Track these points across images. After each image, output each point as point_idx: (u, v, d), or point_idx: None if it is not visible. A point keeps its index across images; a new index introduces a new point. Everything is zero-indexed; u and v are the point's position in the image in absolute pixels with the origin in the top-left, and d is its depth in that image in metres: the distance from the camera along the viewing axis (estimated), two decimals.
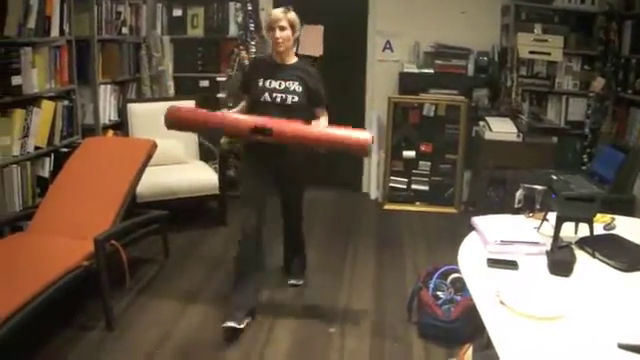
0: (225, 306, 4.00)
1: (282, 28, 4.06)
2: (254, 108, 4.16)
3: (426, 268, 4.41)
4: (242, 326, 3.93)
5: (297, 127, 4.01)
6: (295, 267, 4.80)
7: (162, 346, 3.84)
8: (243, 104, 4.35)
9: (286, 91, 4.10)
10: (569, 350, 1.98)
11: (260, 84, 4.12)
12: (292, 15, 4.12)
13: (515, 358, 1.92)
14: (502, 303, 2.24)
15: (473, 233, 3.10)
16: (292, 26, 4.10)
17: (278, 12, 4.11)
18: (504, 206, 4.98)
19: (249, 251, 4.14)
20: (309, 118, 4.19)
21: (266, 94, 4.09)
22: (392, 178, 6.88)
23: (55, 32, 5.11)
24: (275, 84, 4.10)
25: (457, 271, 4.04)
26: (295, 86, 4.12)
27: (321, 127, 4.16)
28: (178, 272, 4.93)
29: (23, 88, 4.66)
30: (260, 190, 4.22)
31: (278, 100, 4.09)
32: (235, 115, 4.18)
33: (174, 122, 4.15)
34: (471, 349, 2.33)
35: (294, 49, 4.31)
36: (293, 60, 4.26)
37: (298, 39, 4.31)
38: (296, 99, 4.11)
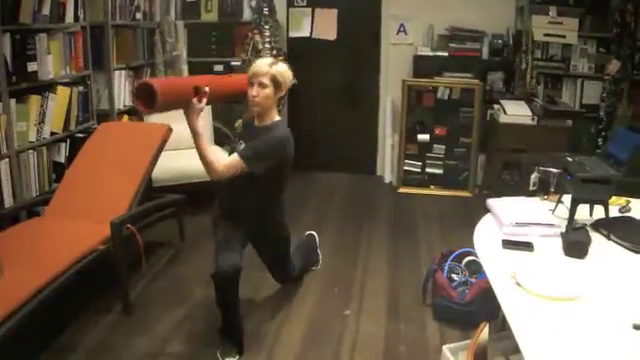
0: (242, 285, 3.95)
1: (262, 85, 3.47)
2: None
3: (441, 251, 4.43)
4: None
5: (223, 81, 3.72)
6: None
7: (179, 329, 3.88)
8: None
9: None
10: (584, 331, 1.99)
11: (236, 147, 3.65)
12: (279, 69, 3.52)
13: (530, 338, 1.93)
14: (518, 284, 2.25)
15: (488, 215, 3.10)
16: (275, 83, 3.49)
17: (262, 64, 3.54)
18: (519, 189, 4.96)
19: (225, 300, 3.59)
20: (272, 188, 3.72)
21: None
22: (406, 161, 6.88)
23: (70, 18, 5.13)
24: (240, 147, 3.59)
25: (472, 254, 4.07)
26: None
27: (210, 152, 3.45)
28: (194, 255, 4.96)
29: (39, 74, 4.69)
30: (237, 236, 3.66)
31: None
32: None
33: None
34: (487, 329, 2.34)
35: (274, 109, 3.66)
36: (269, 122, 3.63)
37: (283, 97, 3.78)
38: None
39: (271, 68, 3.48)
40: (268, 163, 3.48)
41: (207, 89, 3.35)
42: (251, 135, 3.60)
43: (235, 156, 3.47)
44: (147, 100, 3.06)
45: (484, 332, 2.32)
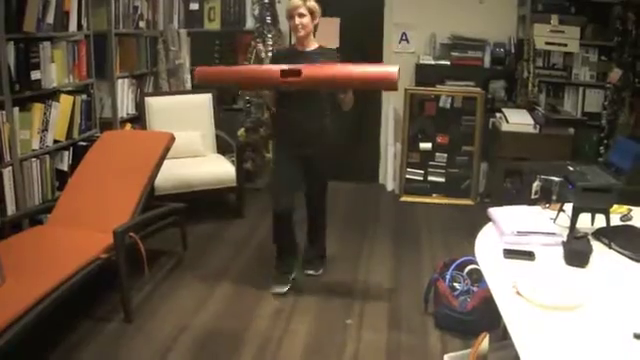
0: (244, 295, 3.97)
1: (301, 15, 4.18)
2: (279, 98, 4.37)
3: (443, 259, 4.42)
4: (285, 290, 4.43)
5: (325, 67, 4.09)
6: (314, 258, 4.83)
7: (180, 337, 3.88)
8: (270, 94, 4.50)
9: None
10: (585, 340, 1.99)
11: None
12: (311, 2, 4.23)
13: (531, 348, 1.93)
14: (519, 293, 2.25)
15: (490, 224, 3.10)
16: (311, 13, 4.22)
17: (296, 0, 4.19)
18: (520, 197, 4.97)
19: (283, 231, 4.51)
20: (330, 102, 4.35)
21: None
22: (408, 170, 6.89)
23: (73, 27, 5.15)
24: None
25: (474, 262, 4.06)
26: None
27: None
28: (196, 264, 4.96)
29: (42, 82, 4.71)
30: (291, 176, 4.41)
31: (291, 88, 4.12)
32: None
33: (204, 78, 4.35)
34: (487, 338, 2.34)
35: (313, 36, 4.37)
36: (313, 46, 4.36)
37: (317, 26, 4.35)
38: None
39: (305, 2, 4.20)
40: None
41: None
42: (299, 57, 4.23)
43: None
44: None
45: (484, 342, 2.32)
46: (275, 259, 4.61)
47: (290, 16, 4.24)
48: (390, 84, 3.93)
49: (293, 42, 4.40)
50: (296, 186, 4.50)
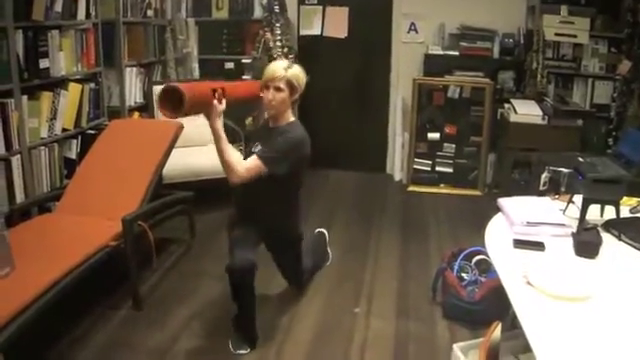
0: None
1: (278, 89, 3.50)
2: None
3: (450, 249, 4.43)
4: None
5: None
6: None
7: (189, 325, 3.90)
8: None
9: None
10: (596, 330, 1.99)
11: (248, 148, 3.74)
12: (293, 72, 3.54)
13: (542, 338, 1.94)
14: (529, 283, 2.25)
15: (499, 214, 3.10)
16: (291, 87, 3.52)
17: (278, 68, 3.54)
18: (528, 188, 4.96)
19: (245, 290, 3.59)
20: (285, 189, 3.72)
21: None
22: (416, 160, 6.88)
23: (81, 15, 5.15)
24: (255, 149, 3.60)
25: (481, 253, 4.07)
26: None
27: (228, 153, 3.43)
28: (204, 252, 4.98)
29: (51, 71, 4.72)
30: (252, 235, 3.72)
31: None
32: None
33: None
34: (499, 328, 2.34)
35: (292, 111, 3.71)
36: (284, 123, 3.65)
37: (297, 99, 3.67)
38: None
39: (287, 72, 3.50)
40: (287, 164, 3.50)
41: (223, 87, 3.40)
42: (267, 137, 3.62)
43: (254, 158, 3.47)
44: (172, 104, 3.10)
45: (496, 331, 2.32)
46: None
47: (265, 86, 3.54)
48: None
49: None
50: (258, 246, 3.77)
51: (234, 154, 3.48)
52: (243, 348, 3.62)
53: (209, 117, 3.36)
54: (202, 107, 3.35)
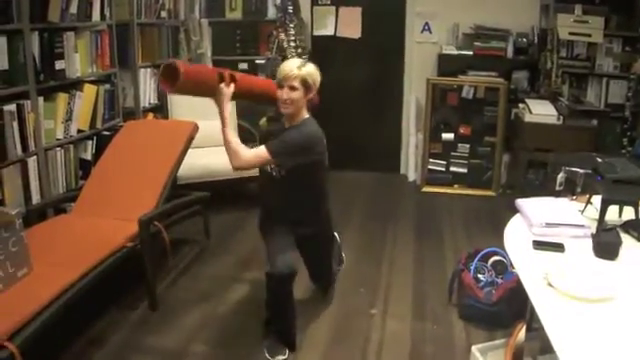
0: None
1: (292, 88, 3.46)
2: (263, 182, 3.80)
3: (465, 250, 4.42)
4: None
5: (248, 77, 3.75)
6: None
7: (205, 326, 3.91)
8: None
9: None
10: (618, 332, 1.98)
11: None
12: (308, 71, 3.51)
13: (564, 339, 1.93)
14: (550, 285, 2.24)
15: (517, 215, 3.09)
16: (305, 85, 3.49)
17: (292, 67, 3.51)
18: (543, 189, 4.94)
19: (284, 295, 3.57)
20: (310, 188, 3.72)
21: (267, 165, 3.62)
22: (430, 160, 6.87)
23: (96, 17, 5.16)
24: None
25: (498, 254, 4.06)
26: None
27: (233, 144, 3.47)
28: (219, 253, 4.99)
29: (66, 72, 4.73)
30: (290, 238, 3.66)
31: (274, 172, 3.62)
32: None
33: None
34: (524, 328, 2.33)
35: (304, 109, 3.63)
36: (299, 120, 3.61)
37: (312, 98, 3.64)
38: (283, 171, 3.59)
39: (301, 70, 3.47)
40: (297, 158, 3.48)
41: (232, 74, 3.48)
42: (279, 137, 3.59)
43: (262, 147, 3.46)
44: (171, 80, 3.20)
45: (522, 332, 2.31)
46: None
47: (279, 85, 3.51)
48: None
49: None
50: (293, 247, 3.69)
51: (239, 141, 3.52)
52: (281, 353, 3.59)
53: (216, 101, 3.44)
54: (205, 88, 3.43)
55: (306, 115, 3.65)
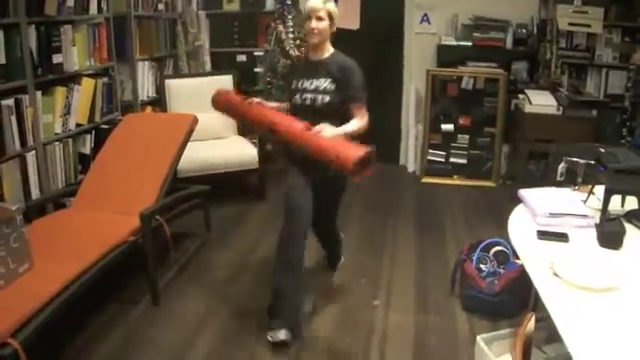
0: (269, 276, 3.90)
1: (319, 19, 3.71)
2: (292, 111, 3.87)
3: (467, 241, 4.42)
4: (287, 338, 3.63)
5: (297, 132, 3.67)
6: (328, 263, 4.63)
7: (207, 320, 3.90)
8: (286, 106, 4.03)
9: (316, 91, 3.75)
10: (624, 321, 1.99)
11: (293, 85, 3.87)
12: (331, 5, 3.77)
13: (571, 328, 1.93)
14: (556, 274, 2.23)
15: (520, 205, 3.08)
16: (330, 17, 3.74)
17: (317, 1, 3.75)
18: (543, 179, 4.94)
19: (296, 244, 3.72)
20: (343, 118, 3.79)
21: (297, 96, 3.81)
22: (430, 151, 6.86)
23: (93, 10, 5.13)
24: (307, 84, 3.78)
25: (500, 244, 4.06)
26: (326, 84, 3.74)
27: (327, 133, 3.58)
28: (220, 246, 4.98)
29: (64, 66, 4.71)
30: (308, 181, 3.81)
31: (308, 102, 3.76)
32: (268, 110, 3.94)
33: (219, 105, 4.18)
34: (534, 318, 2.32)
35: (331, 43, 3.87)
36: (327, 54, 3.85)
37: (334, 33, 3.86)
38: (327, 99, 3.73)
39: (326, 4, 3.74)
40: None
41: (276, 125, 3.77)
42: (313, 70, 3.81)
43: (358, 106, 3.82)
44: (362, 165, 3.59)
45: (531, 322, 2.30)
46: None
47: (307, 17, 3.76)
48: (345, 167, 3.58)
49: (307, 50, 4.01)
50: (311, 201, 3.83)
51: (352, 124, 3.78)
52: (283, 335, 3.59)
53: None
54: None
55: (332, 48, 3.89)
